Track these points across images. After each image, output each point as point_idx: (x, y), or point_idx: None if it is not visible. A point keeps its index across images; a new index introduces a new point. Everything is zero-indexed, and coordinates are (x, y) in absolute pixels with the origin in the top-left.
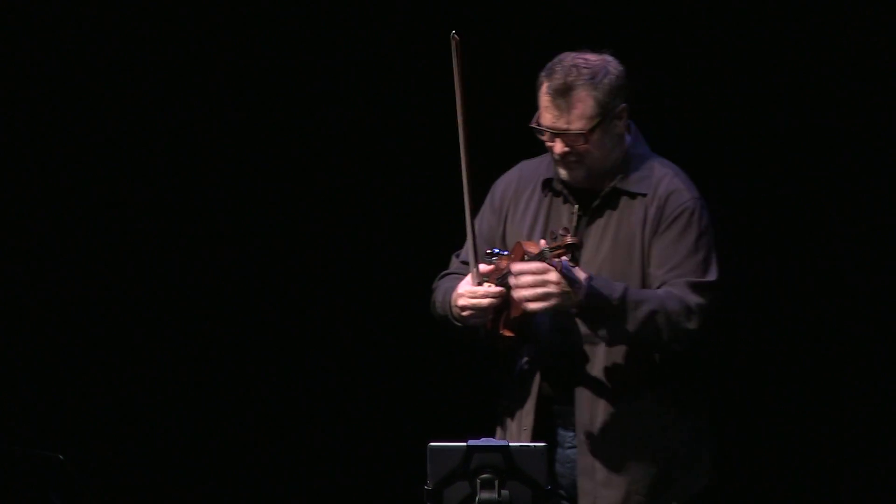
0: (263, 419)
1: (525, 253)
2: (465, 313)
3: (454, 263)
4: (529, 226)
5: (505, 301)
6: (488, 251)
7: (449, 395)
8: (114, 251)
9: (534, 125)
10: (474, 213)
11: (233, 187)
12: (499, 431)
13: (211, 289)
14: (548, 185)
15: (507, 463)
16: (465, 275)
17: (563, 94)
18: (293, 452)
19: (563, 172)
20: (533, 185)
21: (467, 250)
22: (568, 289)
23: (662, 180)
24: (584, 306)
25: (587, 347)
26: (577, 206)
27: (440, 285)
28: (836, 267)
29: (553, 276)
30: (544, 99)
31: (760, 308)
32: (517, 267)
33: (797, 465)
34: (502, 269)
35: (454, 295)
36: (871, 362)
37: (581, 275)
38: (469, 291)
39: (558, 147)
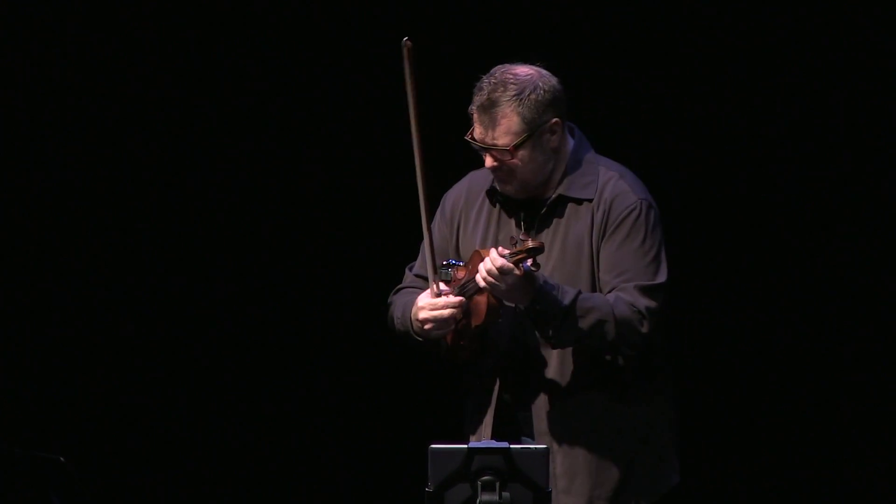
0: (264, 421)
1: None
2: (426, 326)
3: (408, 277)
4: (482, 236)
5: (464, 311)
6: (444, 262)
7: (450, 397)
8: (113, 252)
9: (467, 138)
10: (429, 225)
11: (224, 190)
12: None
13: (210, 291)
14: (493, 195)
15: (508, 465)
16: (421, 289)
17: (488, 109)
18: (294, 454)
19: (498, 185)
20: (482, 196)
21: (421, 263)
22: (522, 288)
23: (608, 184)
24: (532, 309)
25: (542, 352)
26: (522, 214)
27: (396, 301)
28: (810, 262)
29: (510, 279)
30: (473, 114)
31: (731, 303)
32: (489, 258)
33: (768, 460)
34: (459, 280)
35: (414, 309)
36: (840, 355)
37: (539, 278)
38: (429, 304)
39: (488, 161)
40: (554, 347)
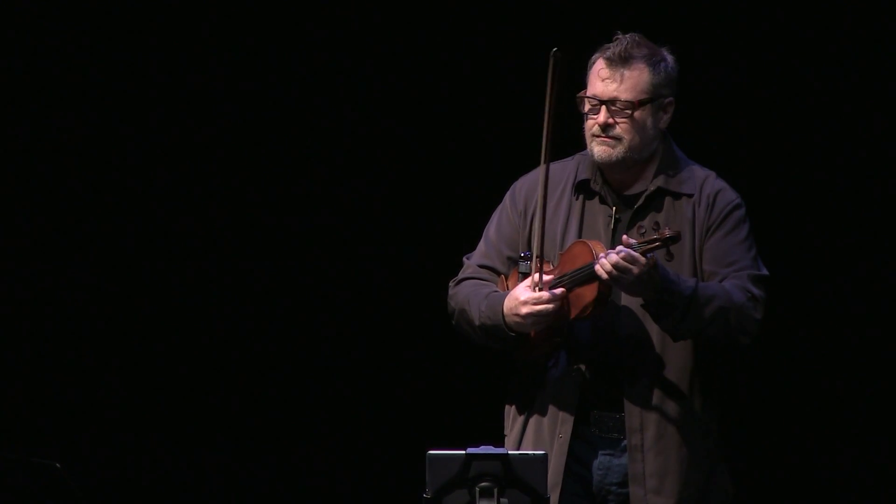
0: (262, 426)
1: (594, 254)
2: (528, 321)
3: (469, 267)
4: (562, 228)
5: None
6: (521, 254)
7: (448, 402)
8: (107, 256)
9: (580, 95)
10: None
11: (231, 191)
12: (519, 440)
13: (208, 296)
14: (582, 186)
15: (506, 471)
16: (488, 280)
17: (623, 61)
18: (291, 460)
19: (598, 150)
20: (562, 186)
21: (485, 254)
22: (648, 282)
23: (707, 181)
24: (655, 301)
25: (634, 350)
26: (614, 209)
27: (462, 293)
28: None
29: (637, 269)
30: (598, 67)
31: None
32: (626, 240)
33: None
34: (551, 271)
35: (512, 304)
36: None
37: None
38: (533, 298)
39: (602, 116)
40: (675, 339)
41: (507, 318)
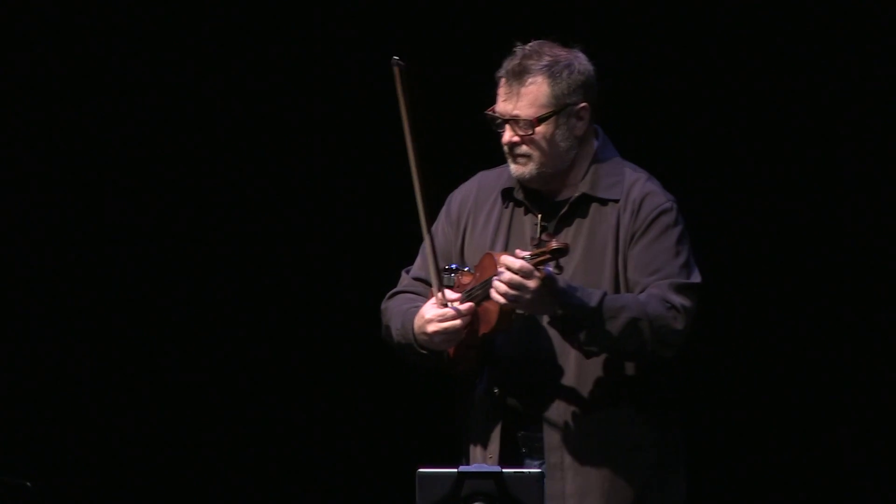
0: (249, 444)
1: (499, 265)
2: (437, 339)
3: (404, 280)
4: (491, 238)
5: (472, 318)
6: (446, 267)
7: (440, 417)
8: (108, 253)
9: (488, 112)
10: (430, 227)
11: (220, 192)
12: (465, 459)
13: (193, 318)
14: (508, 195)
15: (500, 490)
16: (419, 294)
17: (517, 76)
18: (280, 477)
19: (512, 168)
20: (493, 196)
21: (420, 265)
22: (546, 297)
23: (635, 185)
24: (559, 316)
25: (554, 365)
26: (539, 216)
27: (391, 308)
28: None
29: (532, 283)
30: (499, 83)
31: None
32: (505, 260)
33: (775, 480)
34: (466, 285)
35: (420, 322)
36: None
37: (560, 282)
38: (438, 315)
39: (506, 136)
40: (587, 356)
41: (416, 336)
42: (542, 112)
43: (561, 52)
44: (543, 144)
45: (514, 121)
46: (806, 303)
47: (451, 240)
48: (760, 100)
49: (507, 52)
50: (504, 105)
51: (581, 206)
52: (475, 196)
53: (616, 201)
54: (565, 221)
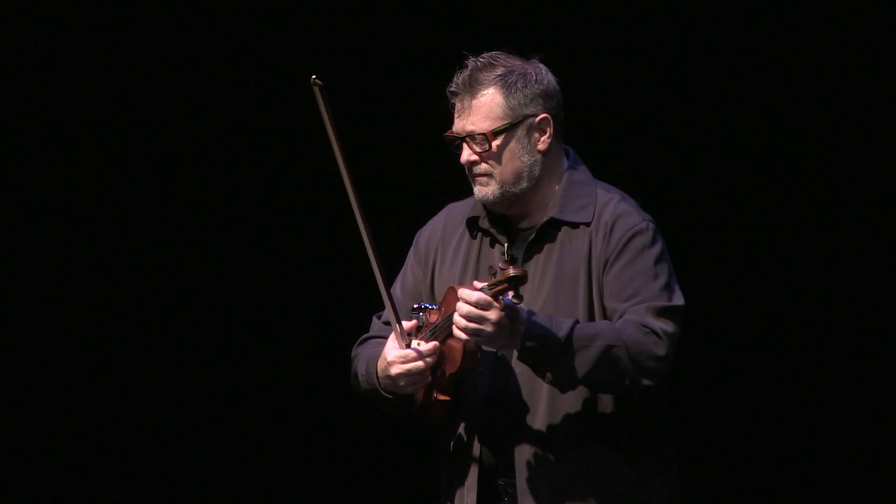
0: (240, 471)
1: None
2: (401, 382)
3: (375, 325)
4: (460, 272)
5: (438, 358)
6: (415, 306)
7: (423, 461)
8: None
9: (445, 135)
10: (388, 275)
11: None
12: None
13: (187, 331)
14: (474, 224)
15: None
16: (388, 337)
17: (469, 88)
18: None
19: (476, 190)
20: (461, 228)
21: (389, 310)
22: (508, 328)
23: (607, 206)
24: (525, 348)
25: (524, 404)
26: (506, 245)
27: (359, 354)
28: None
29: (493, 314)
30: (451, 99)
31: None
32: (462, 293)
33: None
34: (432, 324)
35: (381, 365)
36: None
37: (524, 313)
38: (399, 357)
39: (463, 155)
40: (562, 391)
41: (381, 381)
42: (498, 125)
43: (516, 62)
44: (503, 160)
45: (470, 137)
46: (792, 319)
47: (420, 278)
48: (742, 109)
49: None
50: (458, 122)
51: (549, 231)
52: (442, 230)
53: (587, 224)
54: (534, 248)
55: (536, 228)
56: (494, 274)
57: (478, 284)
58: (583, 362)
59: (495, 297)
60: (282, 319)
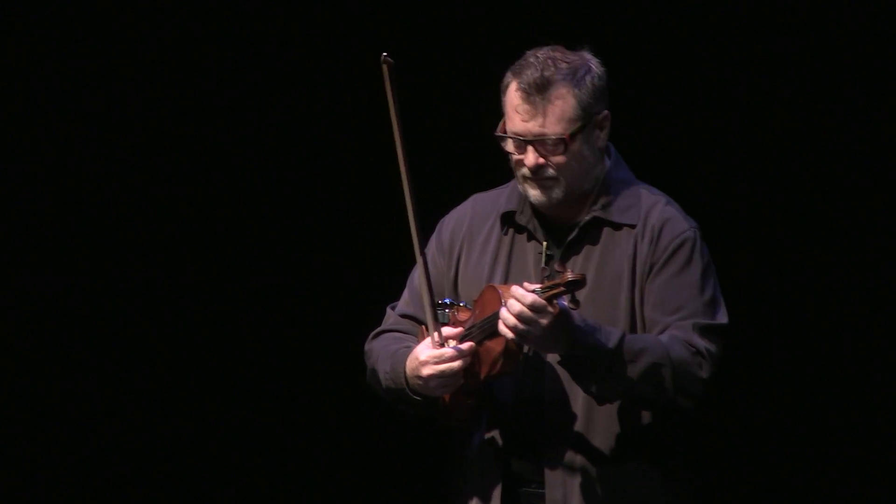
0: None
1: (503, 300)
2: (432, 384)
3: (390, 317)
4: (489, 269)
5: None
6: (439, 302)
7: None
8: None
9: (499, 133)
10: (425, 260)
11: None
12: None
13: (184, 337)
14: (508, 219)
15: None
16: (408, 333)
17: (540, 90)
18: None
19: (533, 193)
20: (491, 221)
21: (408, 302)
22: (557, 333)
23: (653, 208)
24: (570, 356)
25: (559, 412)
26: (545, 244)
27: (376, 350)
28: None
29: (545, 318)
30: (514, 99)
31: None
32: (515, 292)
33: None
34: (462, 323)
35: (413, 364)
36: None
37: (576, 318)
38: (433, 357)
39: (530, 158)
40: (600, 402)
41: (409, 381)
42: (573, 127)
43: (572, 56)
44: (574, 163)
45: (539, 141)
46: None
47: (443, 271)
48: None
49: (503, 58)
50: (527, 124)
51: (591, 230)
52: (469, 222)
53: (632, 226)
54: (573, 247)
55: (579, 227)
56: (549, 276)
57: (529, 286)
58: (628, 376)
59: (550, 300)
60: (289, 314)
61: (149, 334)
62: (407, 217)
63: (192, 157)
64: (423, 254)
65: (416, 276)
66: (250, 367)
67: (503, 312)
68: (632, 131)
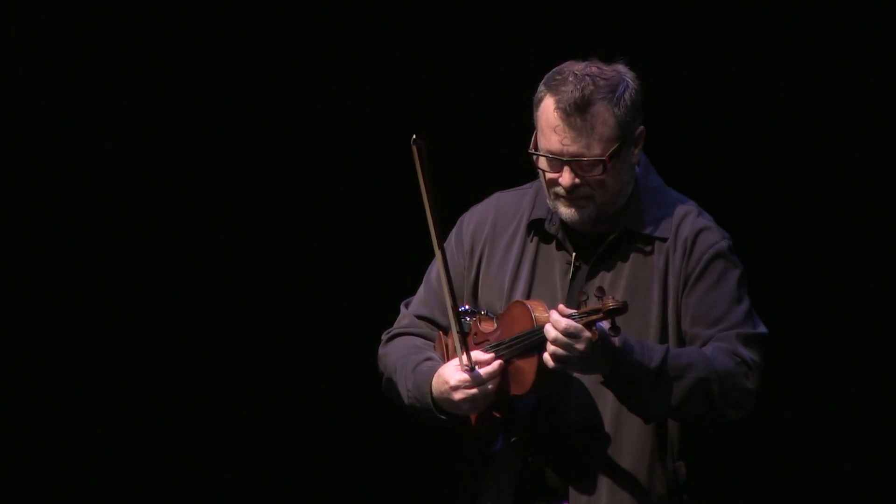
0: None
1: (534, 319)
2: (465, 406)
3: (404, 318)
4: (511, 276)
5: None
6: (461, 310)
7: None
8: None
9: (533, 151)
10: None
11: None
12: None
13: (186, 340)
14: (535, 227)
15: None
16: (425, 336)
17: (580, 110)
18: None
19: (565, 212)
20: (515, 224)
21: (425, 302)
22: (597, 356)
23: (685, 220)
24: (614, 375)
25: (585, 424)
26: (573, 255)
27: (392, 355)
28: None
29: (582, 344)
30: (551, 118)
31: None
32: (553, 317)
33: None
34: (486, 336)
35: (442, 387)
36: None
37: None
38: (464, 381)
39: (566, 178)
40: (647, 421)
41: (437, 401)
42: (612, 147)
43: (609, 72)
44: (609, 183)
45: (577, 161)
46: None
47: (463, 272)
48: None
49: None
50: (563, 146)
51: (621, 244)
52: (492, 222)
53: (664, 240)
54: (602, 262)
55: (608, 240)
56: (586, 300)
57: (564, 310)
58: (675, 394)
59: (588, 325)
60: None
61: (149, 334)
62: (424, 211)
63: (190, 155)
64: (442, 248)
65: (434, 273)
66: (255, 366)
67: (548, 331)
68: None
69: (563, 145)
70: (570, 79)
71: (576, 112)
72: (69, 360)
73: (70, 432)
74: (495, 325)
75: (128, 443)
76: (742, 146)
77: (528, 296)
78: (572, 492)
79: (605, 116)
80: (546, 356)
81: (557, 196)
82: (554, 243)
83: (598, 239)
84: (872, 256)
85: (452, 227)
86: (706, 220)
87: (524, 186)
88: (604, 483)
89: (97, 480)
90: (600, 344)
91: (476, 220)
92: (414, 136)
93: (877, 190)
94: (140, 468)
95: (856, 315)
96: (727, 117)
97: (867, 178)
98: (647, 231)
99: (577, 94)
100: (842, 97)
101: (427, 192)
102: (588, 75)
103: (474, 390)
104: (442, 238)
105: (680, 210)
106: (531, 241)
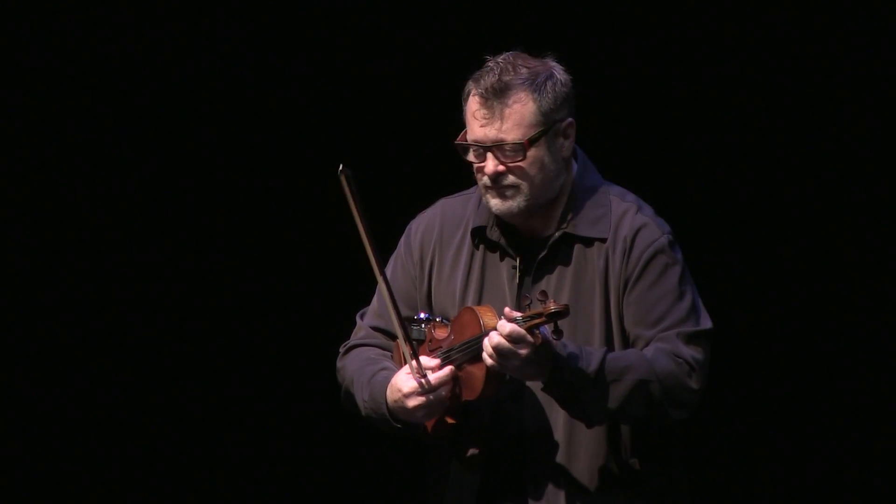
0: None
1: (482, 324)
2: (419, 413)
3: (361, 329)
4: (461, 285)
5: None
6: (415, 317)
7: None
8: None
9: (459, 142)
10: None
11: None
12: None
13: (180, 347)
14: (478, 234)
15: None
16: (382, 347)
17: (498, 94)
18: None
19: (494, 203)
20: (461, 232)
21: (379, 314)
22: (538, 361)
23: (624, 218)
24: (553, 380)
25: (539, 437)
26: (517, 260)
27: (349, 370)
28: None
29: (525, 349)
30: (472, 105)
31: None
32: (499, 324)
33: None
34: (439, 342)
35: (394, 396)
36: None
37: (557, 345)
38: (416, 388)
39: (490, 165)
40: (588, 425)
41: (392, 410)
42: (532, 132)
43: (536, 64)
44: (533, 171)
45: (498, 147)
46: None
47: (415, 280)
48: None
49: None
50: (485, 130)
51: (562, 246)
52: (439, 229)
53: (603, 240)
54: (545, 266)
55: (549, 244)
56: (529, 304)
57: (511, 313)
58: (614, 397)
59: (530, 330)
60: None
61: (148, 334)
62: (360, 237)
63: (187, 156)
64: (383, 275)
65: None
66: (249, 368)
67: (485, 342)
68: (601, 130)
69: (484, 130)
70: (492, 66)
71: (493, 96)
72: (69, 360)
73: (70, 432)
74: (448, 331)
75: (128, 443)
76: (716, 138)
77: (480, 303)
78: (530, 499)
79: (524, 101)
80: (487, 359)
81: (486, 188)
82: (498, 252)
83: (541, 242)
84: (866, 257)
85: (402, 237)
86: (645, 217)
87: (468, 192)
88: (561, 487)
89: (97, 480)
90: (542, 349)
91: (423, 227)
92: (341, 166)
93: (858, 180)
94: (140, 468)
95: (838, 308)
96: (698, 108)
97: (846, 168)
98: (586, 233)
99: (495, 79)
100: (818, 86)
101: (360, 219)
102: (510, 64)
103: (427, 397)
104: (382, 262)
105: (619, 208)
106: (477, 248)
